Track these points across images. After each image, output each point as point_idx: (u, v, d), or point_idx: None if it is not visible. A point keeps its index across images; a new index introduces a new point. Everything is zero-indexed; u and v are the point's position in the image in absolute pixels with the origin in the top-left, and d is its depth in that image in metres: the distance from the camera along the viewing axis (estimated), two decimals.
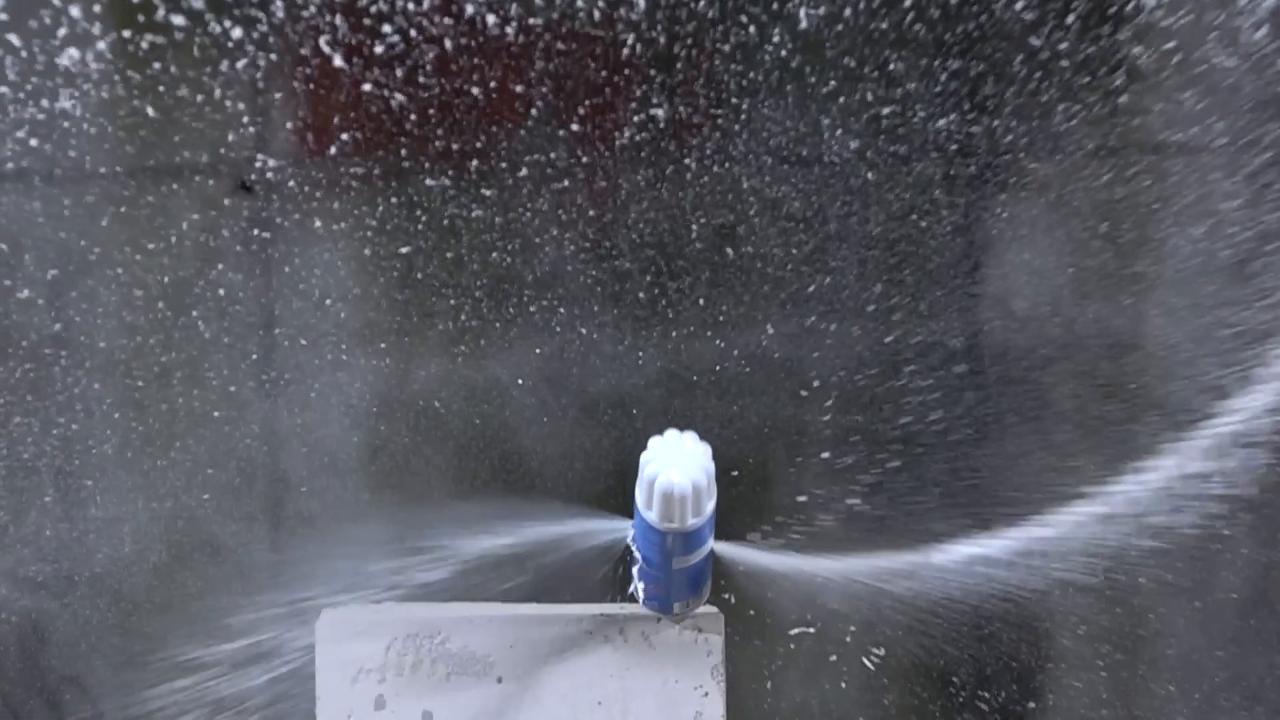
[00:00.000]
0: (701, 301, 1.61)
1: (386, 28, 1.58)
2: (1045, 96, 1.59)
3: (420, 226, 1.62)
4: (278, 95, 1.60)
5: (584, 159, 1.60)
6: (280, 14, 1.59)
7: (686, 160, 1.60)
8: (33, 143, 1.59)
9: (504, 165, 1.60)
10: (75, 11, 1.56)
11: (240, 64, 1.59)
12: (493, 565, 1.54)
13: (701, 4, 1.58)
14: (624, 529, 1.40)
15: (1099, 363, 1.63)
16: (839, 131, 1.59)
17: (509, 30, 1.58)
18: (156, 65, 1.59)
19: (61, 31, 1.57)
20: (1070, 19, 1.58)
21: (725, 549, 1.43)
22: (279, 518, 1.60)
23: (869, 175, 1.60)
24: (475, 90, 1.59)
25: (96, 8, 1.56)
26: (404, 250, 1.62)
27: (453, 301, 1.61)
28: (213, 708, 1.59)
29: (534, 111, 1.59)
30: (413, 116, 1.59)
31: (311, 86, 1.61)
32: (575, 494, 1.57)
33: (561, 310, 1.61)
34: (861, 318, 1.61)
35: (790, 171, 1.60)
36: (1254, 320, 1.59)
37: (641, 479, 1.30)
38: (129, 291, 1.62)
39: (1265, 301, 1.59)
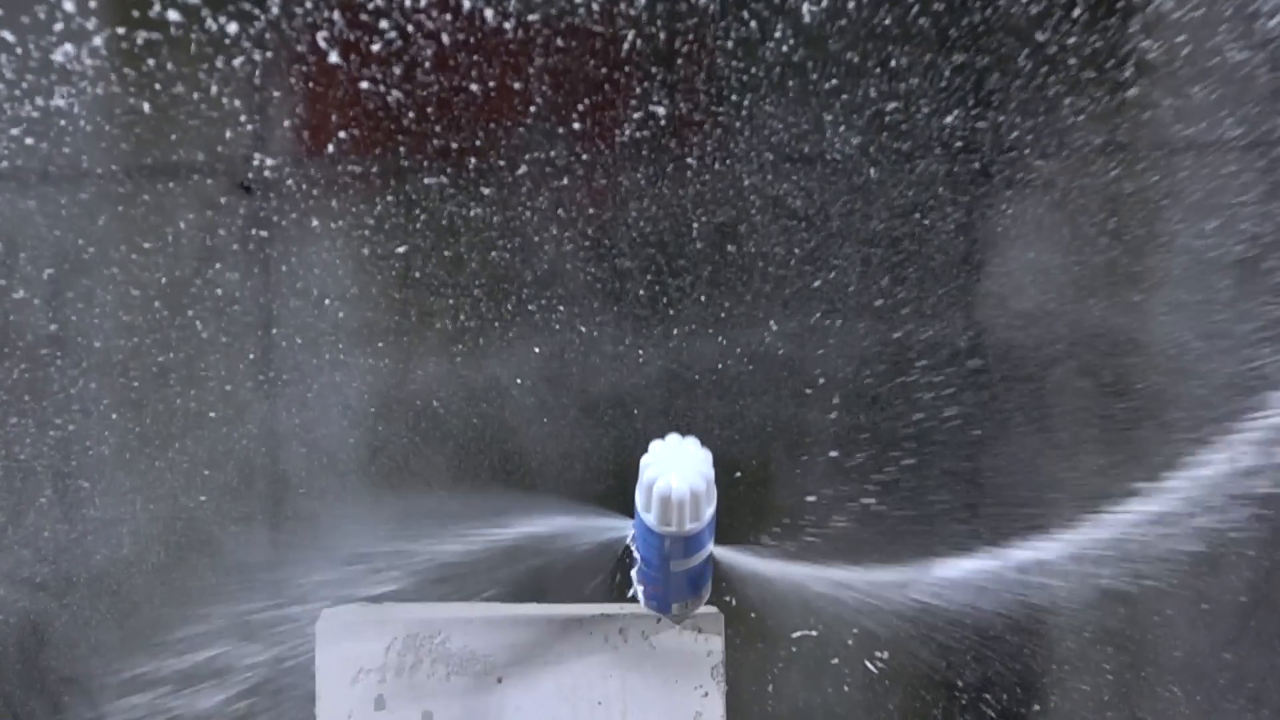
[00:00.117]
0: (703, 300, 1.63)
1: (385, 25, 1.61)
2: (1051, 91, 1.62)
3: (419, 225, 1.64)
4: (275, 93, 1.62)
5: (584, 157, 1.62)
6: (278, 11, 1.61)
7: (688, 158, 1.62)
8: (28, 141, 1.61)
9: (503, 163, 1.62)
10: (69, 6, 1.59)
11: (238, 62, 1.61)
12: (488, 564, 1.56)
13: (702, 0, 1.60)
14: (624, 527, 1.43)
15: (1105, 360, 1.65)
16: (841, 128, 1.61)
17: (508, 25, 1.60)
18: (153, 63, 1.61)
19: (57, 27, 1.60)
20: (1077, 12, 1.60)
21: (726, 555, 1.46)
22: (278, 518, 1.63)
23: (872, 172, 1.62)
24: (474, 87, 1.61)
25: (92, 3, 1.59)
26: (403, 249, 1.64)
27: (451, 301, 1.63)
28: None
29: (533, 109, 1.61)
30: (411, 114, 1.62)
31: (309, 85, 1.62)
32: (575, 493, 1.59)
33: (561, 309, 1.63)
34: (865, 316, 1.63)
35: (792, 169, 1.62)
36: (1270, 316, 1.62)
37: (641, 481, 1.33)
38: (126, 291, 1.64)
39: None
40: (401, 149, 1.62)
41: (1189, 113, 1.61)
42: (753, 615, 1.58)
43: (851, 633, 1.61)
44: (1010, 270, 1.63)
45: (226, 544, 1.62)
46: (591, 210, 1.62)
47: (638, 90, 1.61)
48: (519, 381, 1.62)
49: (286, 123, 1.62)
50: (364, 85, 1.61)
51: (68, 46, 1.58)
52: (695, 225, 1.62)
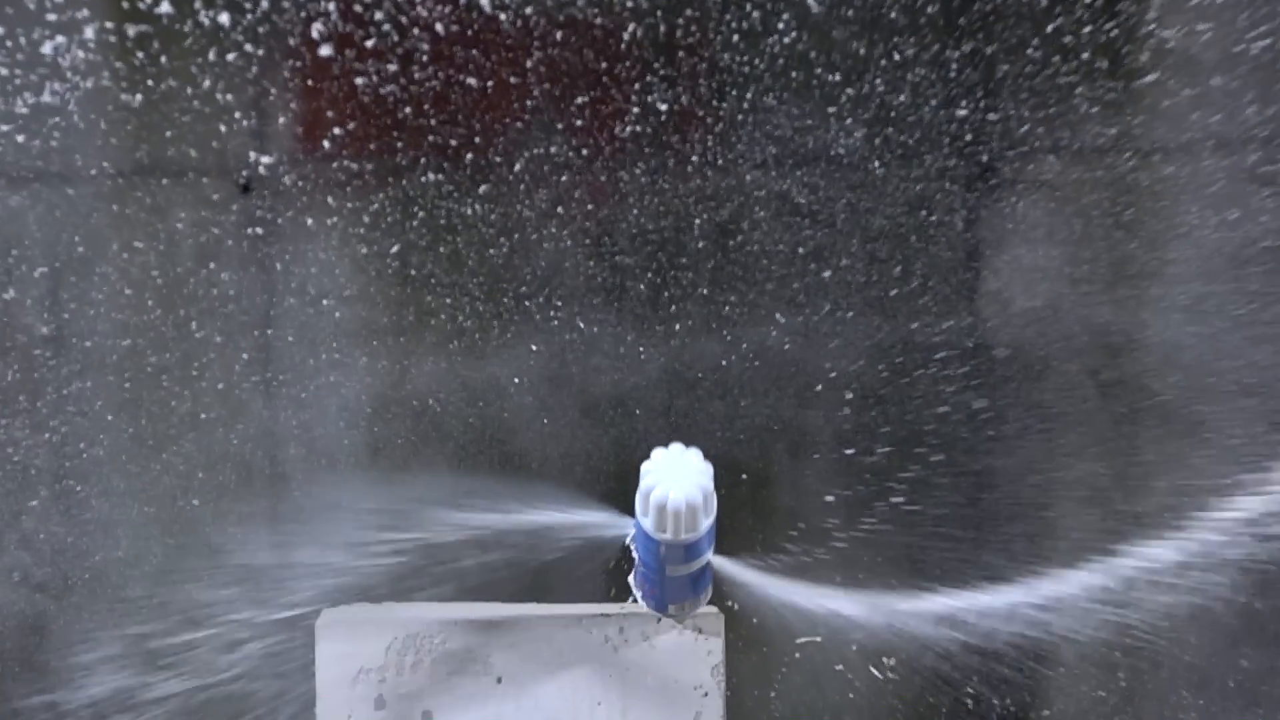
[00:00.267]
0: (704, 297, 1.65)
1: (382, 20, 1.62)
2: (1062, 84, 1.63)
3: (417, 223, 1.66)
4: (273, 91, 1.64)
5: (584, 152, 1.64)
6: (275, 9, 1.62)
7: (689, 154, 1.64)
8: (19, 139, 1.63)
9: (502, 160, 1.64)
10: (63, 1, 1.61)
11: (236, 61, 1.63)
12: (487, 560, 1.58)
13: None
14: (625, 525, 1.48)
15: (1109, 359, 1.66)
16: (848, 120, 1.63)
17: (506, 19, 1.62)
18: (147, 58, 1.63)
19: (51, 21, 1.61)
20: (1081, 8, 1.62)
21: (727, 565, 1.50)
22: (277, 518, 1.64)
23: (876, 167, 1.64)
24: (471, 81, 1.63)
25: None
26: (401, 248, 1.66)
27: (449, 300, 1.65)
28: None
29: (533, 104, 1.63)
30: (408, 110, 1.63)
31: (306, 81, 1.64)
32: (575, 493, 1.61)
33: (562, 308, 1.65)
34: (869, 314, 1.65)
35: (796, 164, 1.64)
36: None
37: (641, 487, 1.38)
38: (120, 291, 1.66)
39: None
40: (399, 146, 1.64)
41: (1206, 107, 1.63)
42: (754, 620, 1.60)
43: (856, 639, 1.63)
44: (1018, 267, 1.65)
45: (225, 544, 1.64)
46: (591, 207, 1.64)
47: (638, 84, 1.63)
48: (517, 381, 1.65)
49: (282, 120, 1.64)
50: (361, 81, 1.62)
51: (59, 39, 1.60)
52: (697, 222, 1.65)
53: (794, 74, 1.62)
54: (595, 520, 1.52)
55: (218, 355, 1.65)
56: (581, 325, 1.64)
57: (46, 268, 1.64)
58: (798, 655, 1.62)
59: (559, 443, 1.65)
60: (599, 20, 1.62)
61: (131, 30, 1.60)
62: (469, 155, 1.63)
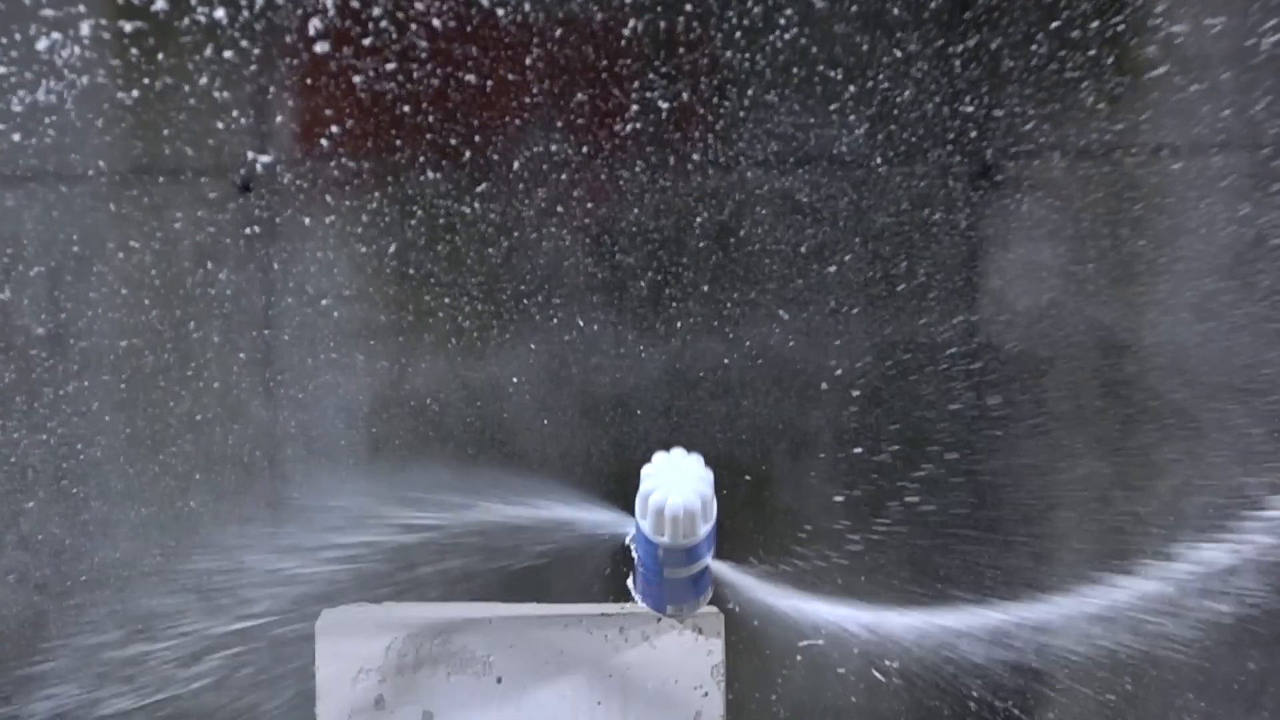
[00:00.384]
0: (705, 296, 1.66)
1: (380, 16, 1.63)
2: (1066, 82, 1.64)
3: (417, 223, 1.67)
4: (271, 90, 1.65)
5: (584, 150, 1.65)
6: (271, 6, 1.64)
7: (691, 153, 1.66)
8: (15, 137, 1.64)
9: (502, 158, 1.66)
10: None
11: (234, 58, 1.64)
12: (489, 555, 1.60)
13: None
14: (626, 523, 1.51)
15: (1113, 359, 1.67)
16: (850, 116, 1.65)
17: (504, 15, 1.64)
18: (147, 59, 1.64)
19: (46, 17, 1.62)
20: (1086, 2, 1.63)
21: (729, 572, 1.52)
22: (276, 518, 1.65)
23: (879, 166, 1.65)
24: (472, 80, 1.64)
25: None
26: (401, 247, 1.67)
27: (447, 300, 1.67)
28: None
29: (532, 101, 1.64)
30: (407, 108, 1.65)
31: (305, 81, 1.65)
32: (573, 492, 1.62)
33: (562, 307, 1.67)
34: (871, 313, 1.66)
35: (797, 162, 1.66)
36: None
37: (641, 489, 1.41)
38: (116, 291, 1.67)
39: None
40: (398, 144, 1.65)
41: (1213, 102, 1.64)
42: (755, 623, 1.62)
43: (860, 643, 1.64)
44: (1023, 265, 1.66)
45: (223, 544, 1.65)
46: (590, 205, 1.66)
47: (638, 81, 1.64)
48: (516, 380, 1.66)
49: (284, 121, 1.65)
50: (360, 79, 1.64)
51: (55, 36, 1.62)
52: (698, 220, 1.66)
53: (796, 70, 1.64)
54: (594, 518, 1.54)
55: (216, 355, 1.67)
56: (581, 324, 1.66)
57: (43, 267, 1.66)
58: (799, 658, 1.64)
59: (559, 442, 1.66)
60: (599, 16, 1.63)
61: (128, 26, 1.62)
62: (468, 153, 1.65)
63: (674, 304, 1.66)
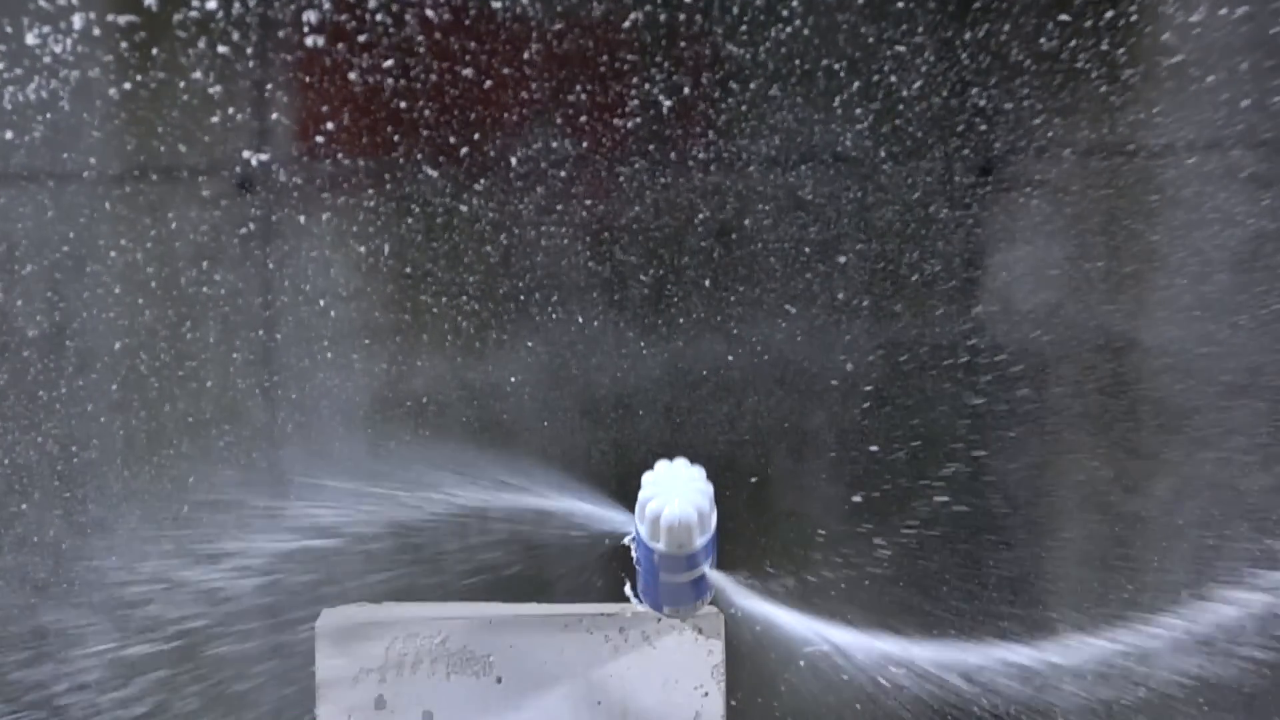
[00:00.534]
0: (707, 295, 1.69)
1: (377, 9, 1.66)
2: (1072, 79, 1.66)
3: (416, 221, 1.70)
4: (268, 87, 1.67)
5: (584, 146, 1.67)
6: (273, 7, 1.66)
7: (692, 150, 1.68)
8: (7, 135, 1.67)
9: (501, 156, 1.68)
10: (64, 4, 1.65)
11: (230, 55, 1.66)
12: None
13: None
14: (627, 521, 1.54)
15: (1113, 360, 1.69)
16: (856, 110, 1.67)
17: (502, 9, 1.66)
18: (143, 56, 1.66)
19: (40, 10, 1.65)
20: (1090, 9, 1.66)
21: (725, 584, 1.54)
22: (275, 519, 1.67)
23: (883, 163, 1.68)
24: (471, 75, 1.67)
25: None
26: (400, 246, 1.69)
27: (445, 299, 1.69)
28: None
29: (531, 97, 1.66)
30: (403, 104, 1.67)
31: (302, 78, 1.67)
32: (572, 493, 1.64)
33: (562, 306, 1.69)
34: (874, 312, 1.69)
35: (801, 158, 1.68)
36: None
37: (640, 494, 1.44)
38: (113, 290, 1.69)
39: None
40: (396, 141, 1.67)
41: (1222, 100, 1.66)
42: (757, 628, 1.63)
43: (864, 648, 1.66)
44: (1028, 264, 1.68)
45: (222, 544, 1.67)
46: (590, 202, 1.68)
47: (639, 76, 1.66)
48: (515, 380, 1.69)
49: (282, 120, 1.67)
50: (358, 76, 1.66)
51: (58, 41, 1.64)
52: (700, 217, 1.69)
53: (799, 63, 1.66)
54: (593, 513, 1.57)
55: (212, 356, 1.69)
56: (581, 322, 1.69)
57: (36, 266, 1.68)
58: (802, 664, 1.65)
59: (559, 442, 1.69)
60: (598, 9, 1.66)
61: (121, 21, 1.64)
62: (466, 150, 1.68)
63: (675, 302, 1.68)
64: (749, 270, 1.69)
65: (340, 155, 1.68)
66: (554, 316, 1.69)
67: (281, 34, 1.66)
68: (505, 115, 1.67)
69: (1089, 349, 1.69)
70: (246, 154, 1.68)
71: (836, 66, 1.67)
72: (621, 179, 1.68)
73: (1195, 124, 1.66)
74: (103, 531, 1.68)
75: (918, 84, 1.66)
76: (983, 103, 1.67)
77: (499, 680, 1.55)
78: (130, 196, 1.68)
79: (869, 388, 1.69)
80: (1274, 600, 1.64)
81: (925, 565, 1.69)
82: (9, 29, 1.64)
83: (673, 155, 1.67)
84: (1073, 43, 1.65)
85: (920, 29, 1.66)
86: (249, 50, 1.66)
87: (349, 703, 1.54)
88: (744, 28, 1.66)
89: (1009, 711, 1.67)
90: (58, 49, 1.65)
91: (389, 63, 1.66)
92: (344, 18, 1.65)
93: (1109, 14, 1.65)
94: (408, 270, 1.69)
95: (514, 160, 1.68)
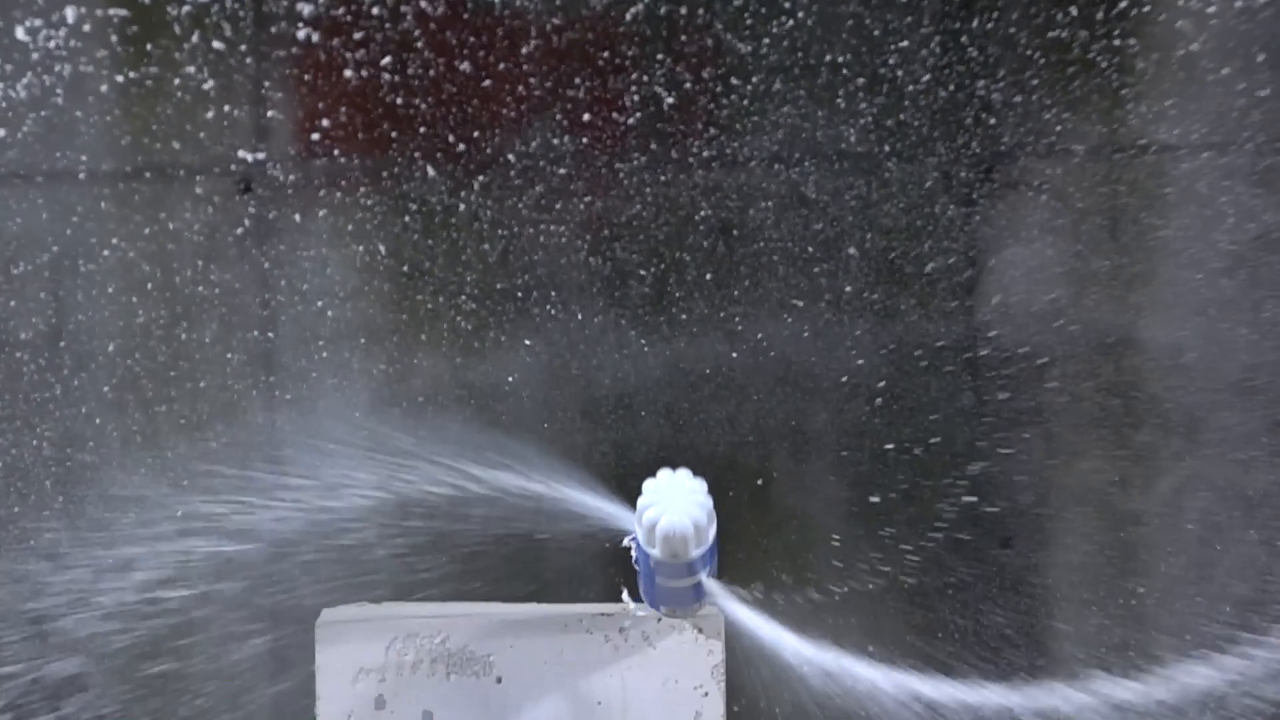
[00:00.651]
0: (709, 293, 1.71)
1: (372, 4, 1.68)
2: (1077, 77, 1.68)
3: (415, 221, 1.72)
4: (265, 85, 1.69)
5: (583, 143, 1.69)
6: (272, 6, 1.68)
7: (694, 146, 1.70)
8: (1, 133, 1.69)
9: (500, 154, 1.70)
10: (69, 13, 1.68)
11: (228, 54, 1.68)
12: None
13: None
14: (628, 519, 1.55)
15: (1115, 358, 1.70)
16: (859, 106, 1.68)
17: (502, 4, 1.68)
18: (140, 53, 1.68)
19: (49, 24, 1.67)
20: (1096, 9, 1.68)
21: (722, 596, 1.54)
22: (275, 519, 1.68)
23: (888, 160, 1.70)
24: (469, 72, 1.68)
25: None
26: (399, 246, 1.71)
27: (443, 299, 1.71)
28: None
29: (531, 94, 1.68)
30: (400, 101, 1.69)
31: (302, 79, 1.69)
32: (575, 492, 1.65)
33: (562, 304, 1.71)
34: (876, 311, 1.71)
35: (803, 155, 1.69)
36: None
37: (640, 500, 1.47)
38: (106, 290, 1.71)
39: None
40: (393, 139, 1.69)
41: (1230, 98, 1.67)
42: (755, 642, 1.63)
43: (867, 651, 1.69)
44: (1031, 263, 1.70)
45: (222, 543, 1.68)
46: (590, 199, 1.70)
47: (641, 71, 1.68)
48: (513, 380, 1.71)
49: (271, 112, 1.69)
50: (361, 82, 1.67)
51: (58, 42, 1.66)
52: (701, 214, 1.71)
53: (801, 57, 1.68)
54: (591, 505, 1.59)
55: (210, 356, 1.70)
56: (581, 321, 1.70)
57: (28, 266, 1.70)
58: (804, 669, 1.65)
59: (559, 442, 1.71)
60: (599, 3, 1.68)
61: (114, 15, 1.66)
62: (466, 148, 1.70)
63: (677, 300, 1.70)
64: (751, 268, 1.71)
65: (337, 153, 1.69)
66: (554, 315, 1.71)
67: (276, 29, 1.68)
68: (504, 111, 1.69)
69: (1093, 347, 1.70)
70: (242, 152, 1.69)
71: (840, 60, 1.69)
72: (622, 175, 1.70)
73: (1209, 118, 1.68)
74: (100, 531, 1.70)
75: (924, 78, 1.68)
76: (990, 96, 1.68)
77: (499, 680, 1.57)
78: (125, 194, 1.70)
79: (874, 386, 1.71)
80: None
81: (929, 566, 1.71)
82: (1, 24, 1.67)
83: (674, 151, 1.69)
84: (1083, 33, 1.68)
85: (926, 21, 1.67)
86: (244, 47, 1.68)
87: (349, 703, 1.56)
88: (746, 21, 1.68)
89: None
90: (50, 44, 1.67)
91: (386, 59, 1.68)
92: (340, 11, 1.67)
93: (1121, 3, 1.67)
94: (405, 269, 1.70)
95: (513, 157, 1.70)
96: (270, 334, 1.71)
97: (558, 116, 1.69)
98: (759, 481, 1.70)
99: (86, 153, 1.69)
